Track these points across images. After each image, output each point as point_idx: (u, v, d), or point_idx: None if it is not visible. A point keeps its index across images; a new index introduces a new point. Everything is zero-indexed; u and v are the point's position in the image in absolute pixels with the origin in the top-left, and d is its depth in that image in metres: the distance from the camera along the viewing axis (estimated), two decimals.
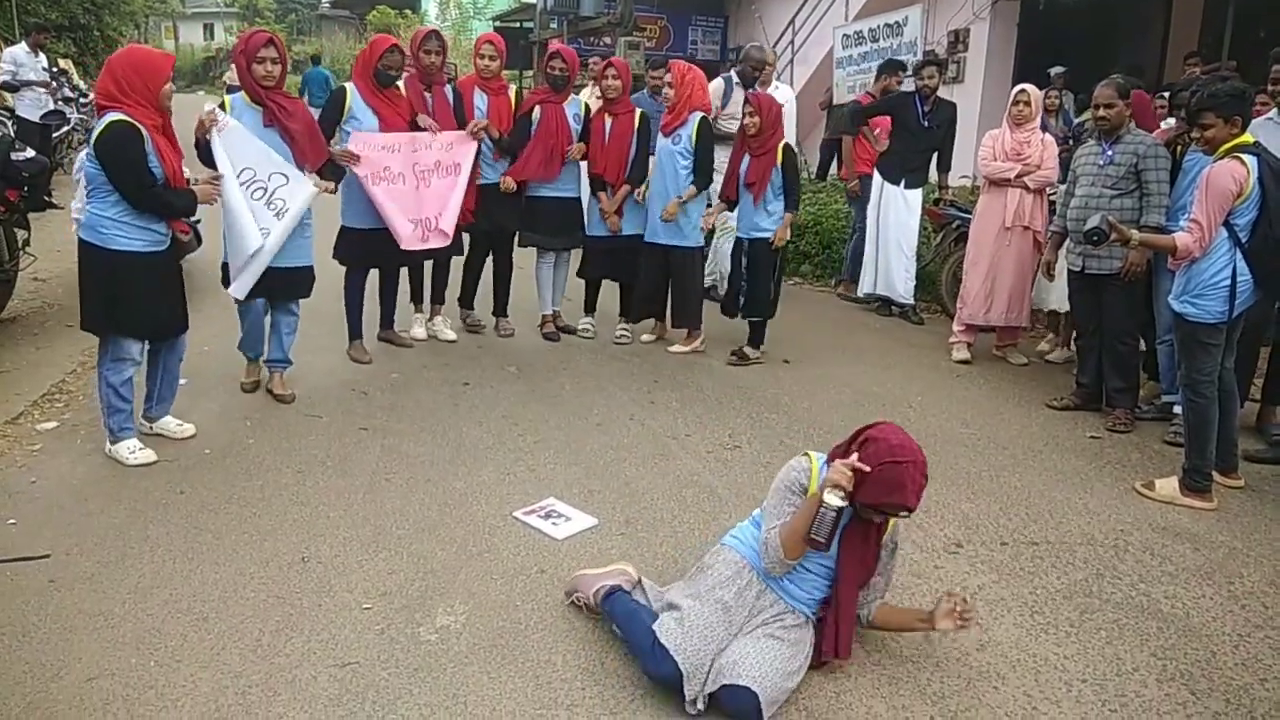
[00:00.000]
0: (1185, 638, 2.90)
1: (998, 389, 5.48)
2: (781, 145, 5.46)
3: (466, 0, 30.34)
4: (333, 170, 4.86)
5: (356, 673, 2.61)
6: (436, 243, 5.43)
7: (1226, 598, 3.15)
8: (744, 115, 5.46)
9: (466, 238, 5.89)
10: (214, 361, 5.17)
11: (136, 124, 3.71)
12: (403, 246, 5.30)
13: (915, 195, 6.88)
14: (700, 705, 2.45)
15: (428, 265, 5.94)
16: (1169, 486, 3.93)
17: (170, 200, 3.88)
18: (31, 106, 10.33)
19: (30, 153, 5.85)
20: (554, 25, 14.94)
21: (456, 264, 5.99)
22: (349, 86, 5.22)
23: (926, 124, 6.76)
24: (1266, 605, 3.11)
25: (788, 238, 5.61)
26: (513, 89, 5.87)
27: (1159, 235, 4.03)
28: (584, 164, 5.89)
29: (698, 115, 5.67)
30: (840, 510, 2.49)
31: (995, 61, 10.81)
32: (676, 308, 5.99)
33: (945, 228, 7.27)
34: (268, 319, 4.80)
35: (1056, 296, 5.80)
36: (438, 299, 6.05)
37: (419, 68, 5.44)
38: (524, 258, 6.22)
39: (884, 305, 7.21)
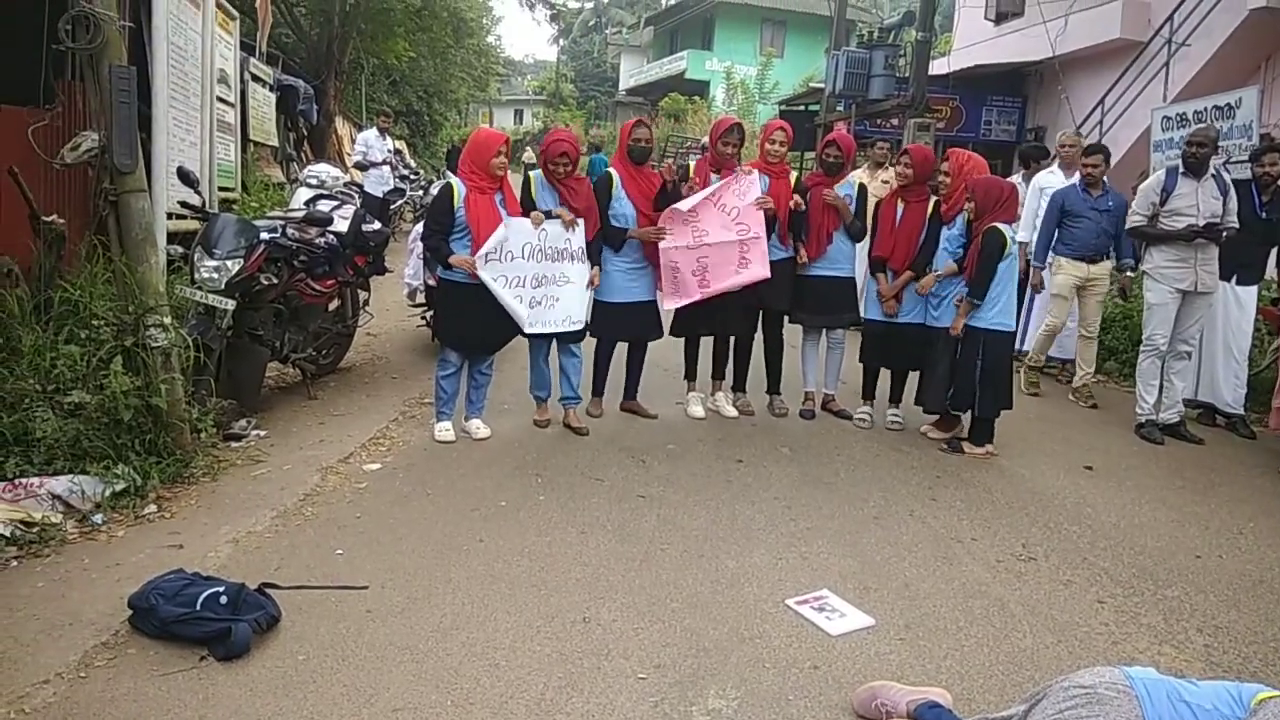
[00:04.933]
0: None
1: None
2: (986, 229, 5.20)
3: (753, 85, 31.40)
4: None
5: None
6: (746, 276, 5.59)
7: None
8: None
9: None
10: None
11: (455, 184, 5.02)
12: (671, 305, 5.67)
13: (1249, 293, 6.16)
14: None
15: (706, 342, 6.07)
16: None
17: (437, 247, 5.06)
18: (376, 183, 11.90)
19: (376, 225, 6.72)
20: (841, 108, 15.01)
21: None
22: (611, 171, 5.67)
23: (1264, 215, 6.04)
24: None
25: (959, 328, 5.33)
26: (793, 175, 5.97)
27: None
28: (861, 246, 5.89)
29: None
30: None
31: None
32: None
33: None
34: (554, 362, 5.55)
35: None
36: (719, 374, 6.16)
37: (713, 154, 5.70)
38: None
39: (1207, 414, 6.43)
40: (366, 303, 7.02)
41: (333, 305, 6.40)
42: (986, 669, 3.14)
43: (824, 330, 6.09)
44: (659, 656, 3.13)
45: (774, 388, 6.25)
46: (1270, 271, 6.46)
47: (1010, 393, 5.48)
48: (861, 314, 5.99)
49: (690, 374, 6.13)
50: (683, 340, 6.02)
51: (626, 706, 2.83)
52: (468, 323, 5.17)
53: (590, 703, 2.84)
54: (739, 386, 6.25)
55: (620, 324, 5.68)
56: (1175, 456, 5.74)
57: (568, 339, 5.51)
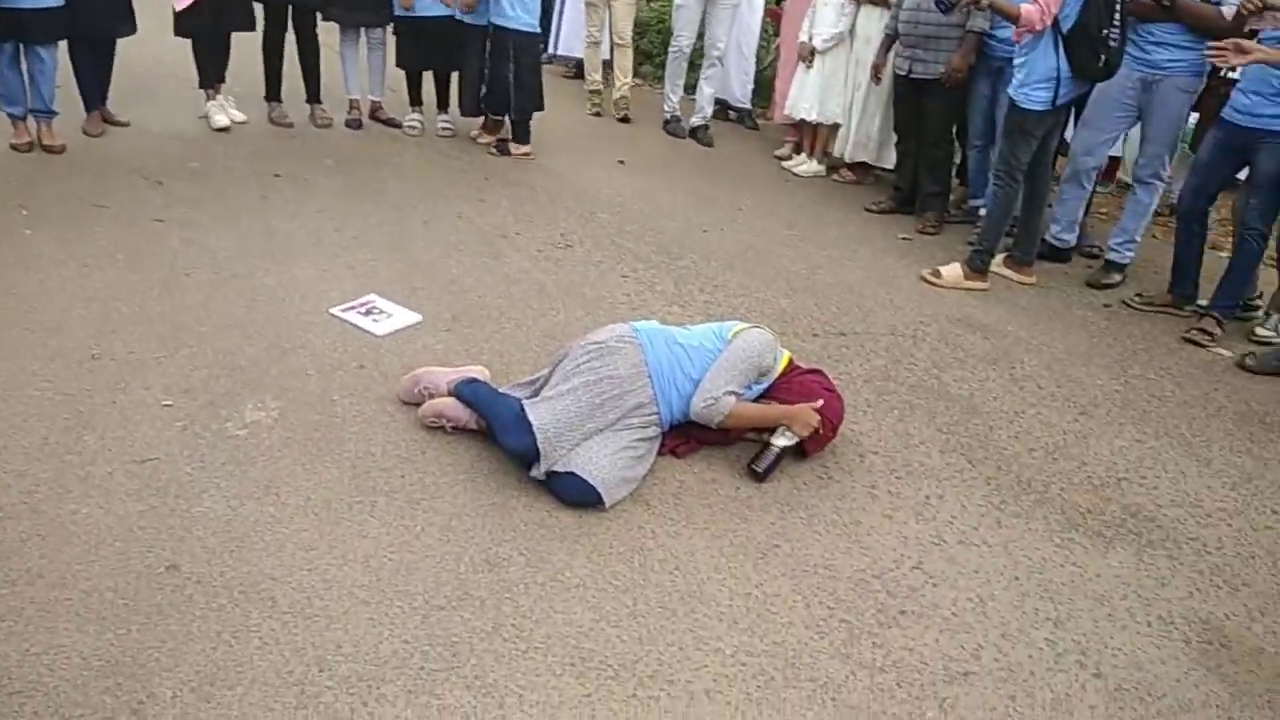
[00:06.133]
0: (968, 415, 3.19)
1: (823, 194, 5.61)
2: None
3: None
4: None
5: (157, 468, 2.50)
6: None
7: (1008, 380, 3.46)
8: None
9: (260, 10, 5.31)
10: None
11: None
12: None
13: None
14: (541, 475, 2.52)
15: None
16: (953, 272, 4.30)
17: None
18: None
19: None
20: None
21: (239, 42, 5.39)
22: None
23: None
24: (1040, 386, 3.44)
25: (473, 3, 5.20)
26: None
27: (1006, 2, 3.90)
28: None
29: None
30: (786, 450, 2.71)
31: None
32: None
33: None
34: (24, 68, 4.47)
35: (806, 105, 5.68)
36: (214, 79, 5.45)
37: None
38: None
39: (721, 109, 7.11)
40: None
41: None
42: (525, 344, 3.39)
43: (361, 29, 5.58)
44: (187, 381, 2.92)
45: (314, 95, 5.72)
46: None
47: (541, 94, 5.55)
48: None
49: (206, 81, 5.39)
50: (189, 41, 5.19)
51: (150, 434, 2.64)
52: None
53: (105, 437, 2.60)
54: (273, 95, 5.64)
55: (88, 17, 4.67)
56: (695, 149, 6.35)
57: (34, 38, 4.46)
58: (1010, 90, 4.05)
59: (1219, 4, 3.89)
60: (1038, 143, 4.04)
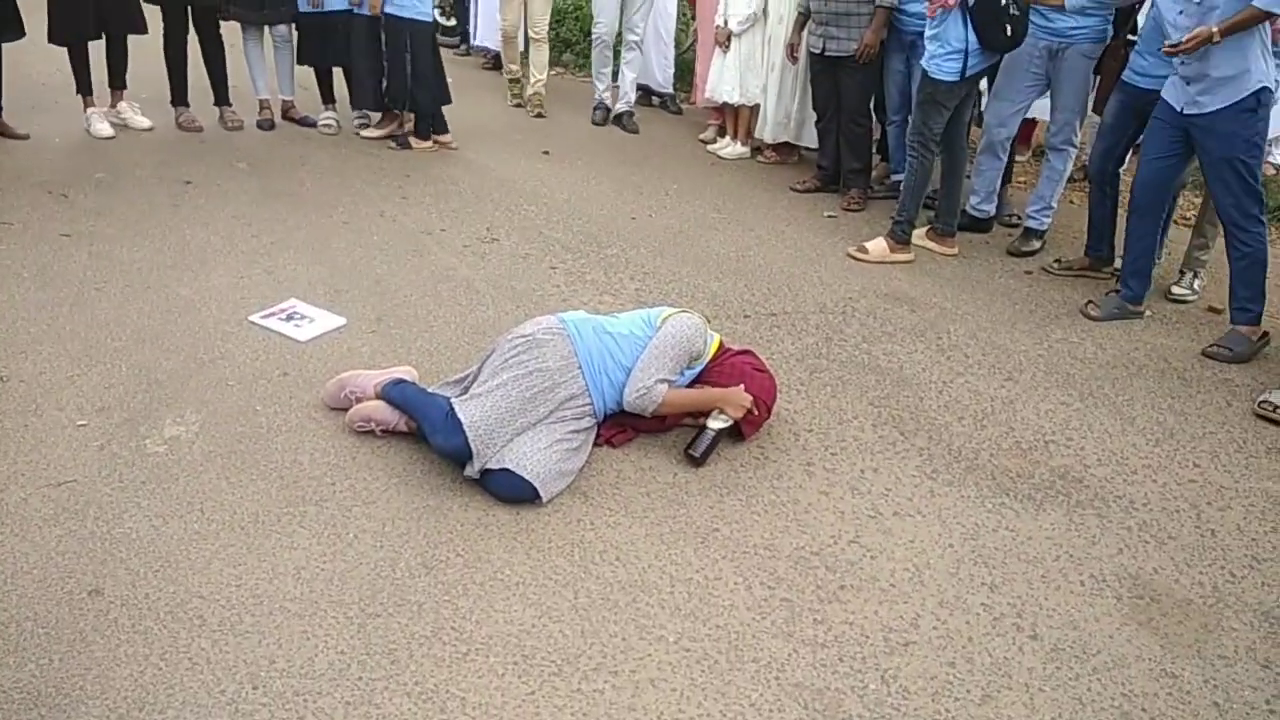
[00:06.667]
0: (898, 387, 3.23)
1: (749, 176, 5.63)
2: None
3: None
4: None
5: (74, 491, 2.40)
6: None
7: (935, 351, 3.52)
8: None
9: (159, 12, 5.13)
10: None
11: None
12: None
13: None
14: (475, 474, 2.48)
15: (95, 46, 5.05)
16: (878, 246, 4.38)
17: None
18: None
19: None
20: None
21: (144, 46, 5.20)
22: None
23: None
24: (967, 355, 3.50)
25: (377, 6, 5.06)
26: None
27: None
28: None
29: None
30: (721, 432, 2.71)
31: None
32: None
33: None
34: None
35: (728, 88, 5.67)
36: (117, 84, 5.26)
37: None
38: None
39: (644, 95, 7.09)
40: None
41: None
42: (453, 342, 3.34)
43: (265, 27, 5.42)
44: (102, 399, 2.81)
45: (222, 98, 5.55)
46: None
47: (445, 86, 5.47)
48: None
49: (83, 86, 5.15)
50: (64, 49, 4.97)
51: (65, 456, 2.53)
52: None
53: (18, 462, 2.49)
54: (179, 98, 5.45)
55: None
56: (620, 137, 6.32)
57: None
58: (923, 62, 4.12)
59: None
60: (950, 113, 4.12)
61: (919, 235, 4.48)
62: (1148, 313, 3.90)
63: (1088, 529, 2.56)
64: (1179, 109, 3.49)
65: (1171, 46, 3.34)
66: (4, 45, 4.76)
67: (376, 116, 5.69)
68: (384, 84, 5.28)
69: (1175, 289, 4.12)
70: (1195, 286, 4.12)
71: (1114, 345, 3.65)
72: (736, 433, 2.78)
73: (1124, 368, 3.49)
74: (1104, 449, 2.95)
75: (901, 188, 4.42)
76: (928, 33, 4.06)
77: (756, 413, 2.77)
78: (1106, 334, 3.75)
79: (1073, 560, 2.43)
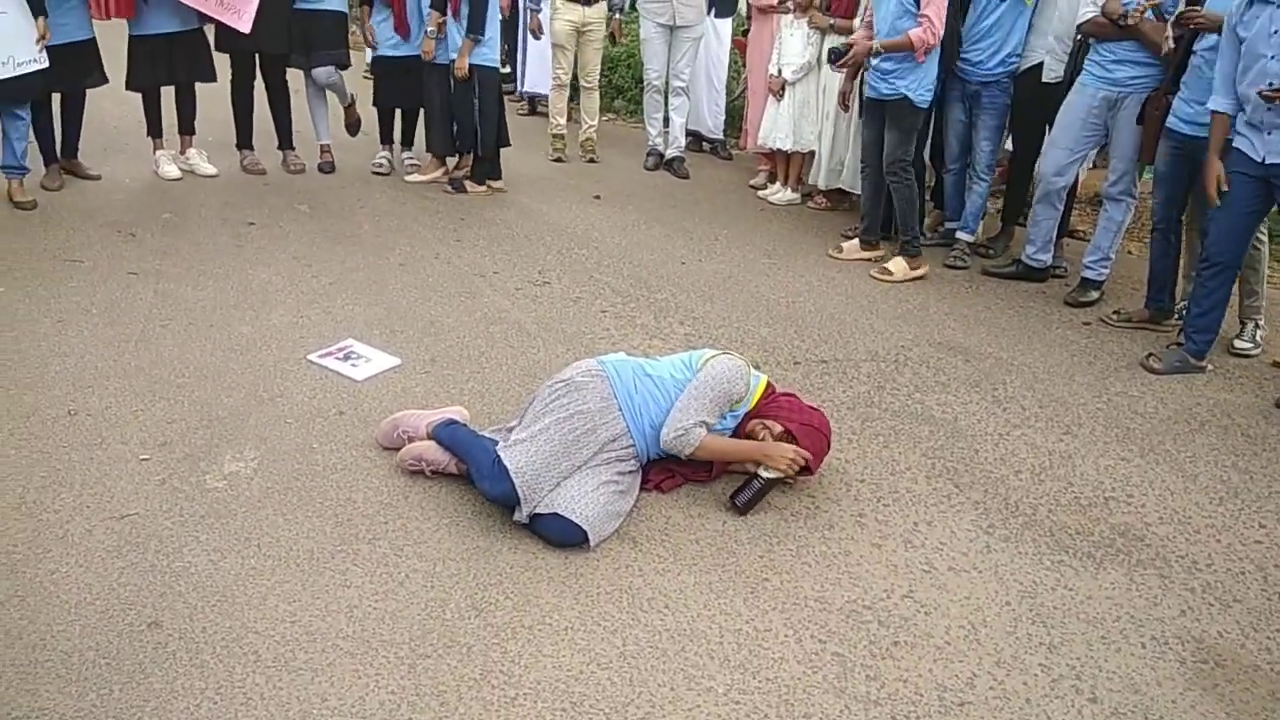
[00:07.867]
0: (953, 439, 3.19)
1: (800, 222, 5.65)
2: None
3: None
4: None
5: (136, 524, 2.45)
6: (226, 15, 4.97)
7: (991, 402, 3.47)
8: None
9: (228, 60, 5.33)
10: None
11: None
12: None
13: (725, 25, 6.74)
14: (524, 519, 2.49)
15: (166, 91, 5.31)
16: (899, 266, 4.67)
17: None
18: None
19: None
20: None
21: (212, 91, 5.41)
22: None
23: None
24: (1024, 407, 3.45)
25: (465, 68, 5.21)
26: None
27: (896, 39, 4.39)
28: None
29: None
30: (771, 482, 2.68)
31: None
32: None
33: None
34: None
35: (781, 135, 5.71)
36: (186, 129, 5.48)
37: None
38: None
39: (695, 140, 7.17)
40: None
41: None
42: (505, 384, 3.37)
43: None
44: (164, 434, 2.88)
45: (286, 142, 5.73)
46: (740, 5, 7.12)
47: (506, 129, 5.58)
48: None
49: (154, 129, 5.38)
50: (139, 94, 5.21)
51: (128, 490, 2.59)
52: None
53: (83, 494, 2.56)
54: (244, 142, 5.64)
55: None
56: (670, 182, 6.40)
57: (9, 94, 4.45)
58: (906, 92, 4.46)
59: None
60: (917, 135, 4.64)
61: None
62: (1210, 367, 3.82)
63: (1149, 589, 2.48)
64: (1259, 159, 3.43)
65: (1275, 92, 3.29)
66: (87, 91, 4.98)
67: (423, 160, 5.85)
68: (454, 127, 5.42)
69: (1238, 342, 4.02)
70: (1258, 338, 4.02)
71: (1175, 399, 3.57)
72: (785, 480, 2.76)
73: (1186, 423, 3.40)
74: (1166, 506, 2.87)
75: (897, 213, 4.74)
76: (905, 66, 4.41)
77: (799, 467, 2.69)
78: (1167, 388, 3.66)
79: (1134, 621, 2.35)
